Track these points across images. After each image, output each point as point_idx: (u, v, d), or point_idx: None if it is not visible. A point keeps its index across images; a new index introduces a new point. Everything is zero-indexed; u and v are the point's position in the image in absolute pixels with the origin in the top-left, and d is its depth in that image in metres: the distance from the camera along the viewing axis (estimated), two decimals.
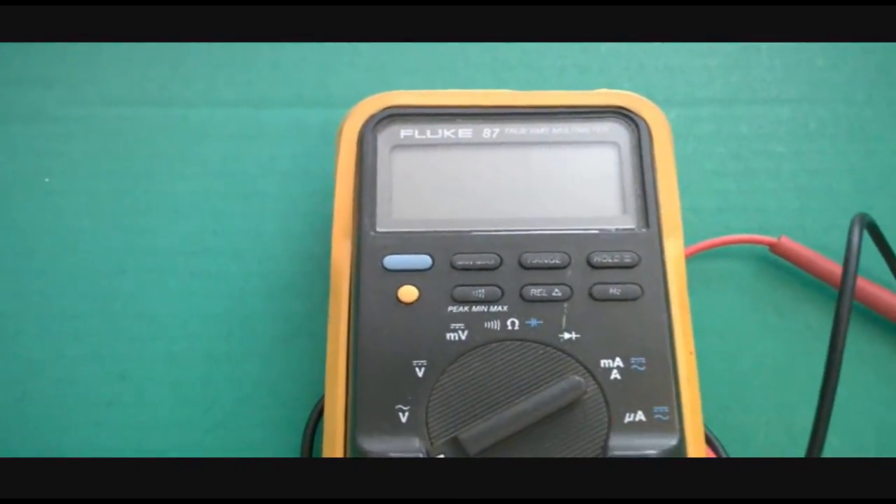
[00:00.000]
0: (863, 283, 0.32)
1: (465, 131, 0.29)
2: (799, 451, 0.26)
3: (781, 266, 0.33)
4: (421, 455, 0.24)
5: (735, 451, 0.30)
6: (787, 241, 0.33)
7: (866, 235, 0.31)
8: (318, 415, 0.30)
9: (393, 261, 0.27)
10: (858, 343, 0.32)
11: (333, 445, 0.26)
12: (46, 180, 0.35)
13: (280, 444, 0.31)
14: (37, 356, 0.32)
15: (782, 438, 0.31)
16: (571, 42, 0.37)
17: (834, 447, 0.31)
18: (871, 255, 0.32)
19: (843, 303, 0.26)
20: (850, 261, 0.27)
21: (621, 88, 0.31)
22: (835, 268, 0.32)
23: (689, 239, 0.33)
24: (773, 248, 0.33)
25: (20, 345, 0.32)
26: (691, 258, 0.33)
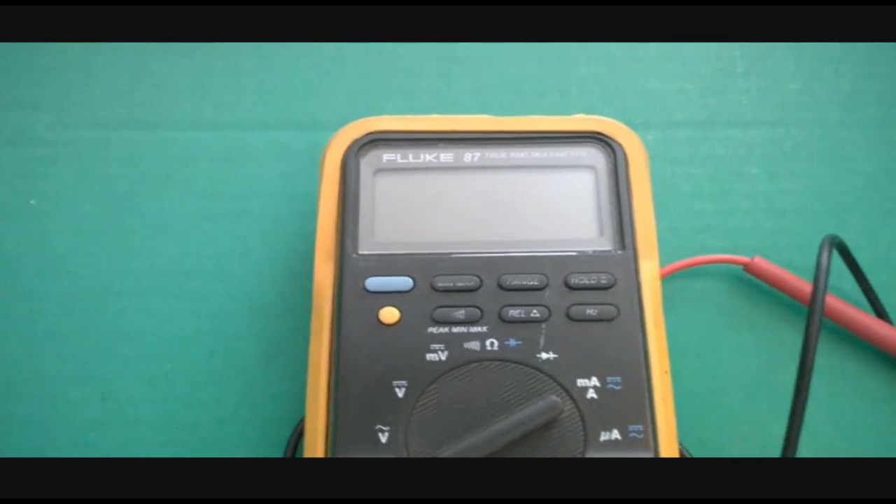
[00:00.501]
0: (833, 301, 0.33)
1: (446, 156, 0.30)
2: None
3: (755, 285, 0.34)
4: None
5: None
6: (760, 261, 0.33)
7: (836, 256, 0.32)
8: (298, 435, 0.30)
9: (374, 282, 0.27)
10: (830, 358, 0.33)
11: None
12: (32, 202, 0.35)
13: None
14: (21, 376, 0.32)
15: (757, 453, 0.31)
16: (550, 62, 0.38)
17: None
18: (842, 274, 0.33)
19: (813, 320, 0.27)
20: (819, 279, 0.28)
21: (600, 112, 0.32)
22: (806, 286, 0.33)
23: (666, 258, 0.34)
24: (746, 267, 0.34)
25: (4, 365, 0.32)
26: (668, 278, 0.34)
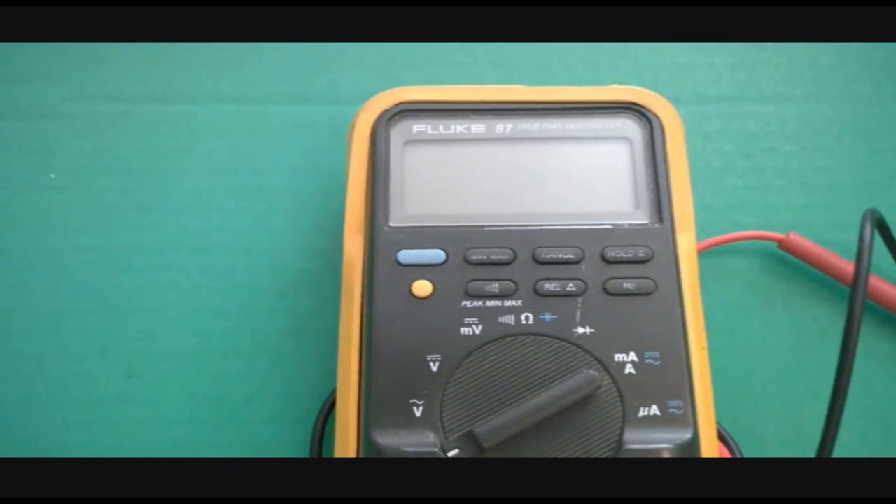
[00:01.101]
0: (871, 279, 0.32)
1: (478, 126, 0.29)
2: (808, 444, 0.26)
3: (789, 262, 0.33)
4: (436, 449, 0.24)
5: (745, 444, 0.30)
6: (795, 238, 0.33)
7: (875, 231, 0.31)
8: (328, 409, 0.29)
9: (407, 255, 0.27)
10: (866, 339, 0.32)
11: (346, 440, 0.26)
12: (52, 176, 0.35)
13: (289, 439, 0.31)
14: (43, 353, 0.32)
15: (791, 433, 0.31)
16: (578, 42, 0.37)
17: (842, 441, 0.30)
18: (878, 250, 0.32)
19: (857, 297, 0.26)
20: (862, 255, 0.27)
21: (630, 85, 0.31)
22: (843, 264, 0.32)
23: (699, 234, 0.32)
24: (781, 244, 0.33)
25: (26, 341, 0.32)
26: (701, 254, 0.33)
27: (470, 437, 0.24)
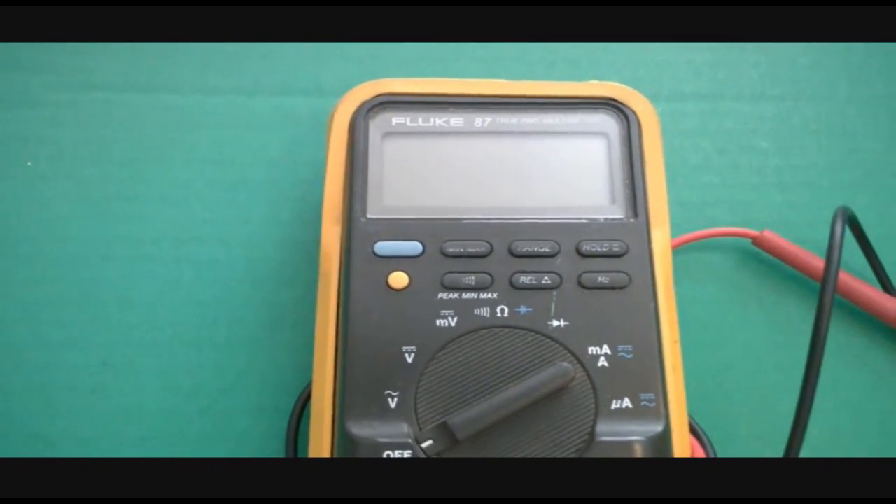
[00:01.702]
0: (842, 275, 0.32)
1: (456, 120, 0.29)
2: (780, 438, 0.26)
3: (763, 259, 0.34)
4: (409, 440, 0.24)
5: (717, 438, 0.30)
6: (769, 235, 0.33)
7: (846, 229, 0.31)
8: (304, 401, 0.29)
9: (383, 247, 0.27)
10: (836, 335, 0.33)
11: (321, 431, 0.26)
12: (28, 164, 0.34)
13: (265, 431, 0.31)
14: (20, 342, 0.32)
15: (763, 427, 0.31)
16: (561, 42, 0.38)
17: (812, 436, 0.31)
18: (850, 248, 0.33)
19: (826, 292, 0.27)
20: (833, 251, 0.28)
21: (609, 82, 0.31)
22: (815, 261, 0.32)
23: (675, 230, 0.33)
24: (755, 241, 0.33)
25: (3, 331, 0.32)
26: (676, 250, 0.33)
27: (444, 428, 0.24)
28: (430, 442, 0.24)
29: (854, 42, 0.38)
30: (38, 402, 0.31)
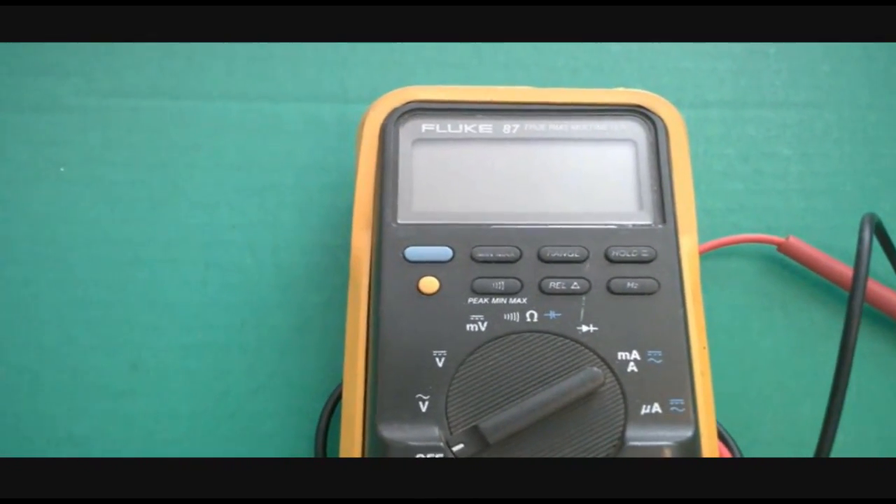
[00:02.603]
0: (868, 283, 0.32)
1: (485, 126, 0.30)
2: (804, 444, 0.26)
3: (788, 265, 0.34)
4: (441, 444, 0.25)
5: (743, 444, 0.30)
6: (794, 241, 0.33)
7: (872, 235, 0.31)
8: (333, 404, 0.30)
9: (414, 252, 0.27)
10: (861, 341, 0.32)
11: (352, 434, 0.26)
12: (62, 169, 0.35)
13: (293, 434, 0.31)
14: (50, 343, 0.32)
15: (788, 432, 0.31)
16: (584, 42, 0.38)
17: (838, 443, 0.31)
18: (875, 254, 0.33)
19: (855, 300, 0.27)
20: (861, 258, 0.28)
21: (634, 88, 0.31)
22: (840, 267, 0.33)
23: (699, 237, 0.33)
24: (780, 247, 0.33)
25: (33, 332, 0.32)
26: (701, 256, 0.33)
27: (475, 431, 0.25)
28: (461, 446, 0.25)
29: (875, 42, 0.38)
30: (68, 404, 0.31)
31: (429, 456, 0.24)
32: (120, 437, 0.31)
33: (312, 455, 0.30)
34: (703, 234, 0.34)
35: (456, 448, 0.25)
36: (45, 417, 0.31)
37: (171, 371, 0.32)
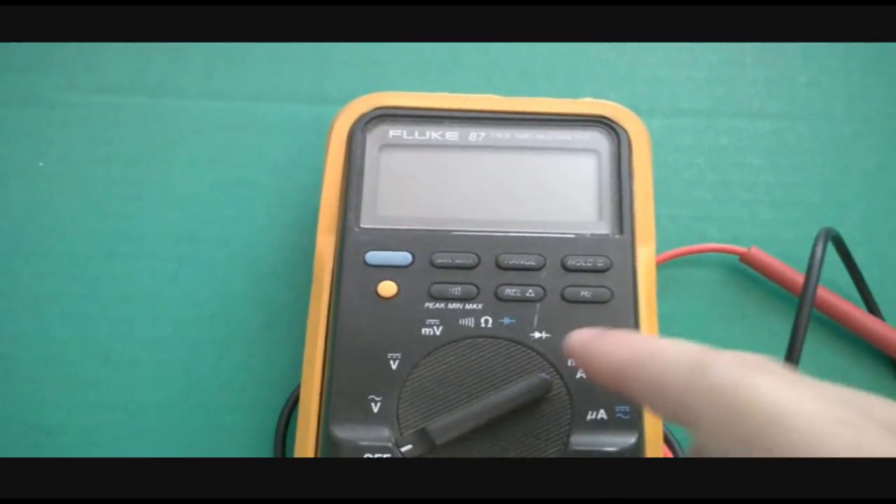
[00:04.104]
0: (826, 294, 0.33)
1: (452, 134, 0.30)
2: None
3: (750, 275, 0.34)
4: (390, 444, 0.25)
5: None
6: (756, 252, 0.34)
7: (832, 249, 0.32)
8: (293, 402, 0.31)
9: (374, 256, 0.28)
10: (820, 352, 0.33)
11: (307, 432, 0.27)
12: (41, 164, 0.36)
13: (258, 427, 0.32)
14: (24, 334, 0.33)
15: None
16: (559, 44, 0.38)
17: None
18: (837, 268, 0.34)
19: (803, 310, 0.27)
20: (812, 269, 0.28)
21: (607, 96, 0.32)
22: (800, 278, 0.33)
23: (664, 244, 0.34)
24: (742, 257, 0.34)
25: (8, 322, 0.33)
26: (664, 264, 0.34)
27: (423, 433, 0.25)
28: (409, 446, 0.25)
29: (852, 59, 0.38)
30: (40, 394, 0.32)
31: (377, 456, 0.25)
32: (90, 426, 0.32)
33: (272, 451, 0.31)
34: (668, 241, 0.34)
35: (404, 449, 0.25)
36: (16, 406, 0.32)
37: (141, 364, 0.33)
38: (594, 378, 0.22)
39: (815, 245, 0.30)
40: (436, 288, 0.28)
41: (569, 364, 0.27)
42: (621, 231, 0.29)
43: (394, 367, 0.27)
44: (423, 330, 0.27)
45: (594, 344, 0.22)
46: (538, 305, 0.28)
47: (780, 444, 0.16)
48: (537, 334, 0.27)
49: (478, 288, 0.28)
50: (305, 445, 0.27)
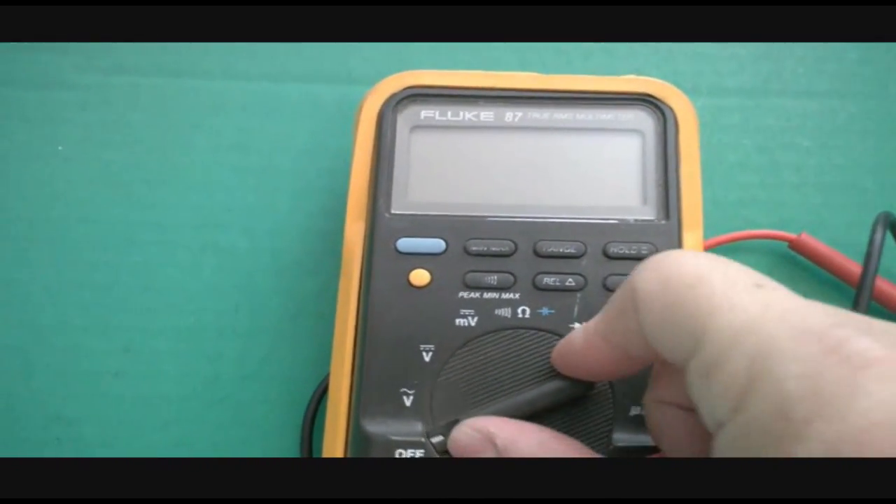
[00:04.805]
0: (882, 284, 0.31)
1: (486, 114, 0.29)
2: None
3: (799, 262, 0.33)
4: (422, 439, 0.24)
5: None
6: (806, 238, 0.32)
7: (888, 236, 0.30)
8: (320, 395, 0.29)
9: (406, 244, 0.26)
10: None
11: (336, 425, 0.25)
12: (60, 148, 0.35)
13: (282, 420, 0.31)
14: (44, 324, 0.32)
15: None
16: (596, 42, 0.36)
17: None
18: (891, 254, 0.32)
19: (861, 301, 0.26)
20: (871, 259, 0.27)
21: (648, 74, 0.30)
22: (852, 266, 0.31)
23: (709, 231, 0.32)
24: (792, 244, 0.32)
25: (28, 312, 0.32)
26: (710, 251, 0.32)
27: (455, 425, 0.24)
28: (440, 437, 0.24)
29: None
30: (61, 385, 0.31)
31: (409, 451, 0.24)
32: (111, 418, 0.31)
33: (298, 445, 0.30)
34: (713, 227, 0.33)
35: (435, 440, 0.24)
36: (36, 398, 0.31)
37: (162, 354, 0.32)
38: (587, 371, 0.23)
39: (873, 231, 0.28)
40: (471, 276, 0.26)
41: None
42: (667, 217, 0.27)
43: (427, 358, 0.25)
44: (457, 321, 0.26)
45: (557, 350, 0.24)
46: (578, 295, 0.26)
47: (701, 300, 0.18)
48: (578, 325, 0.26)
49: (515, 276, 0.26)
50: (335, 439, 0.25)
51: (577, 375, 0.24)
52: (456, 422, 0.24)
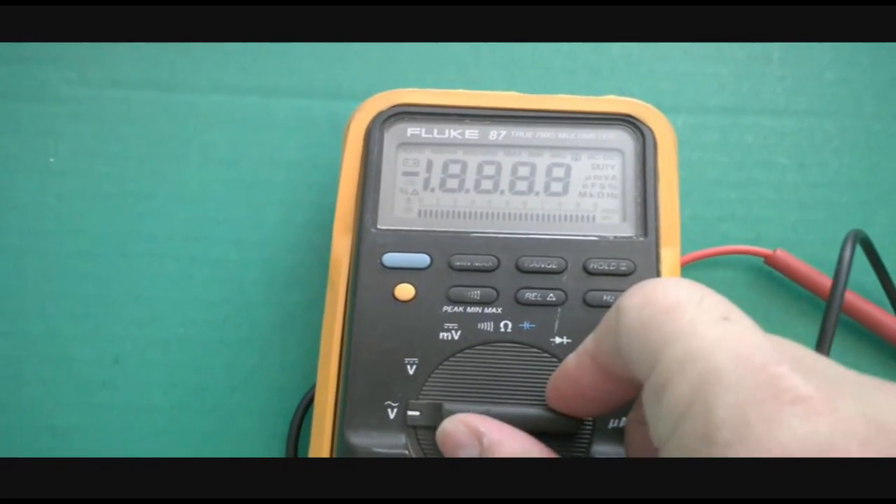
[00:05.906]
0: (854, 298, 0.32)
1: (471, 132, 0.29)
2: None
3: (775, 278, 0.34)
4: (406, 451, 0.25)
5: None
6: (782, 254, 0.33)
7: (860, 251, 0.31)
8: (306, 405, 0.30)
9: (391, 258, 0.27)
10: (846, 356, 0.32)
11: (321, 437, 0.26)
12: (51, 160, 0.35)
13: (269, 431, 0.31)
14: (35, 334, 0.32)
15: None
16: (582, 42, 0.37)
17: None
18: (865, 271, 0.33)
19: (830, 315, 0.26)
20: (840, 273, 0.27)
21: (630, 93, 0.31)
22: (827, 282, 0.32)
23: (687, 246, 0.33)
24: (768, 259, 0.33)
25: (18, 323, 0.33)
26: (687, 266, 0.33)
27: (437, 409, 0.25)
28: (416, 413, 0.25)
29: (882, 54, 0.37)
30: (50, 395, 0.32)
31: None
32: (100, 428, 0.31)
33: (284, 455, 0.30)
34: (691, 242, 0.34)
35: (411, 413, 0.25)
36: (26, 407, 0.31)
37: (152, 365, 0.32)
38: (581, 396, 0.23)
39: (843, 247, 0.29)
40: (454, 291, 0.27)
41: None
42: (646, 234, 0.28)
43: (411, 371, 0.26)
44: (440, 334, 0.26)
45: (553, 379, 0.24)
46: (559, 310, 0.27)
47: (671, 325, 0.19)
48: (558, 339, 0.26)
49: (497, 291, 0.27)
50: (320, 450, 0.26)
51: (569, 406, 0.24)
52: (438, 407, 0.25)
